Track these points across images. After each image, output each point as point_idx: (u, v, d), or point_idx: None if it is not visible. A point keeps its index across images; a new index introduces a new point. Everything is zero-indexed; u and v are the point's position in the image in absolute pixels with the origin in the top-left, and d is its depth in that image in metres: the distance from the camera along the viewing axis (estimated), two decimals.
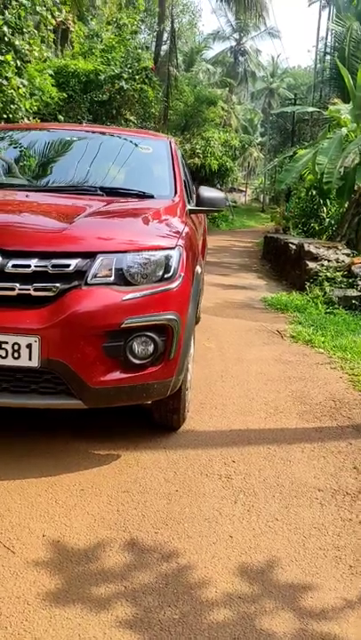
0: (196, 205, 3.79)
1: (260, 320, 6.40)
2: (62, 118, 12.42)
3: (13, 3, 6.16)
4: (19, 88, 6.25)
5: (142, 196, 3.54)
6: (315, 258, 8.45)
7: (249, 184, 55.86)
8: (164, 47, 28.82)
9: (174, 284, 2.75)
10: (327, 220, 13.84)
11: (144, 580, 2.00)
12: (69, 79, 13.47)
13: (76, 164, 3.82)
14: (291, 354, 5.06)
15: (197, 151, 23.36)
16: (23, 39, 6.36)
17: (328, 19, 30.98)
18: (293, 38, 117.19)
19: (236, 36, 50.87)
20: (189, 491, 2.61)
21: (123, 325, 2.58)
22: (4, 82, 6.19)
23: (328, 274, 7.97)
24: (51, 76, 12.76)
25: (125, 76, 13.79)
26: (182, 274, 2.80)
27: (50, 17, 6.75)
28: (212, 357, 4.80)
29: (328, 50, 29.28)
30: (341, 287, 7.71)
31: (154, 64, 25.39)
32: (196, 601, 1.92)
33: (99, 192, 3.44)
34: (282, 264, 10.83)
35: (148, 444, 3.05)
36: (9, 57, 6.26)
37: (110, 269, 2.63)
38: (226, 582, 2.02)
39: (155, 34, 28.46)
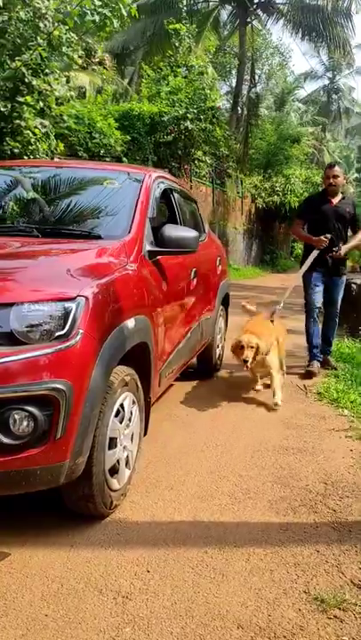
0: (160, 246, 3.26)
1: (292, 371, 5.63)
2: (126, 160, 12.39)
3: (38, 41, 6.03)
4: (36, 128, 6.06)
5: (87, 236, 3.06)
6: None
7: None
8: (257, 88, 28.83)
9: (68, 344, 2.21)
10: None
11: None
12: (134, 122, 13.48)
13: (25, 203, 3.41)
14: (306, 415, 4.30)
15: (277, 189, 22.80)
16: (44, 81, 6.20)
17: None
18: None
19: (329, 74, 50.42)
20: (63, 616, 2.00)
21: None
22: (22, 123, 6.03)
23: None
24: (116, 120, 12.89)
25: (190, 116, 13.62)
26: (82, 331, 2.25)
27: (76, 57, 6.58)
28: (208, 419, 4.15)
29: None
30: None
31: (234, 104, 25.47)
32: None
33: (34, 233, 3.00)
34: (345, 306, 9.90)
35: (57, 538, 2.48)
36: (29, 98, 6.11)
37: None
38: None
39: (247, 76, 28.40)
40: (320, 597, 2.12)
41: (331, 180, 5.40)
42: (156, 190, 3.66)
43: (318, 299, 5.51)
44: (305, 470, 3.28)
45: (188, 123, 13.60)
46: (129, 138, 12.96)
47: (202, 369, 5.25)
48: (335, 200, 5.44)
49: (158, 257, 3.31)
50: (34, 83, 5.94)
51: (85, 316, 2.29)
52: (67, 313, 2.25)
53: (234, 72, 32.02)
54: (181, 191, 4.54)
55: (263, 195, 23.34)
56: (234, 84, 32.06)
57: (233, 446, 3.62)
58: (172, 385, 4.83)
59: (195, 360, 5.13)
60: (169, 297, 3.45)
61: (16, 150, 6.09)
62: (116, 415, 2.62)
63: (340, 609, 2.07)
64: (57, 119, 6.58)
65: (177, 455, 3.43)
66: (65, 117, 6.55)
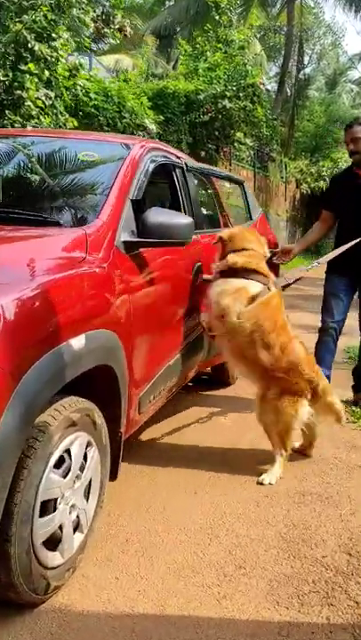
0: (142, 235, 2.53)
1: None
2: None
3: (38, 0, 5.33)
4: (37, 99, 5.38)
5: (40, 222, 2.37)
6: None
7: None
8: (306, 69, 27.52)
9: None
10: None
11: None
12: (168, 101, 12.68)
13: None
14: (333, 443, 3.51)
15: (323, 174, 21.61)
16: (50, 46, 5.50)
17: None
18: None
19: None
20: None
21: None
22: (24, 94, 5.37)
23: None
24: (149, 99, 12.13)
25: (229, 93, 12.73)
26: None
27: (88, 20, 5.87)
28: (212, 446, 3.42)
29: None
30: None
31: (280, 84, 24.29)
32: None
33: None
34: None
35: None
36: (31, 66, 5.44)
37: None
38: None
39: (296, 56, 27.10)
40: None
41: (351, 147, 3.92)
42: (147, 165, 2.90)
43: (336, 312, 4.04)
44: (323, 530, 2.51)
45: (227, 101, 12.71)
46: (162, 118, 12.19)
47: (217, 376, 4.52)
48: None
49: (141, 249, 2.59)
50: (36, 48, 5.24)
51: None
52: None
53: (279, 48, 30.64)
54: (192, 169, 3.74)
55: (309, 180, 22.23)
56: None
57: (236, 488, 2.88)
58: (174, 395, 4.12)
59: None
60: (155, 301, 2.72)
61: (17, 125, 5.44)
62: (58, 467, 1.93)
63: None
64: (69, 91, 5.88)
65: (162, 499, 2.72)
66: (68, 87, 5.82)
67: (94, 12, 6.08)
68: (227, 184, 5.18)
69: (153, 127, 11.53)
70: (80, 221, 2.41)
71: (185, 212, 3.38)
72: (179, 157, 3.59)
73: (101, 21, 6.67)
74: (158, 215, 2.55)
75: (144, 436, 3.45)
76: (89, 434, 2.11)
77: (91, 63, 13.13)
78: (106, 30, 6.83)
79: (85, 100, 9.46)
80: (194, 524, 2.53)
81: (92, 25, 6.11)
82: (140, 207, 2.63)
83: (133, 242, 2.51)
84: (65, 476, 1.96)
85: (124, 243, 2.45)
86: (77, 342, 1.93)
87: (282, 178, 21.05)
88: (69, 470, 1.99)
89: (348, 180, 4.06)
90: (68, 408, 1.95)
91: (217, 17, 14.49)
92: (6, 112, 5.40)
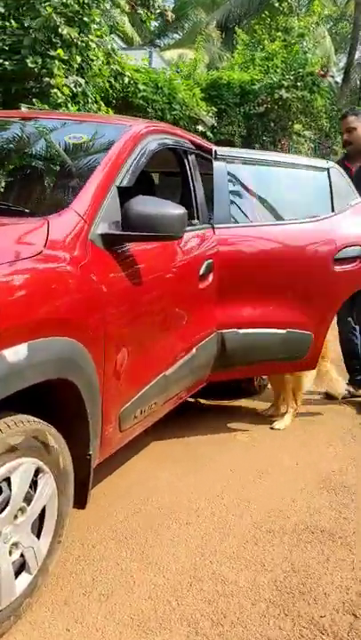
0: (124, 227, 2.20)
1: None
2: (212, 135, 11.21)
3: None
4: (65, 86, 5.13)
5: (4, 210, 2.08)
6: None
7: None
8: None
9: None
10: None
11: None
12: (223, 92, 12.25)
13: None
14: (359, 468, 3.08)
15: None
16: (80, 31, 5.25)
17: None
18: None
19: None
20: None
21: None
22: (52, 81, 5.14)
23: None
24: (203, 90, 11.77)
25: (286, 83, 12.16)
26: None
27: (123, 2, 5.58)
28: (215, 468, 3.05)
29: None
30: None
31: (345, 74, 23.30)
32: None
33: None
34: None
35: None
36: (60, 52, 5.20)
37: None
38: None
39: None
40: None
41: (345, 136, 3.93)
42: (145, 148, 2.56)
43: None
44: (328, 580, 2.11)
45: (283, 91, 12.14)
46: (215, 109, 11.80)
47: (236, 385, 4.10)
48: (355, 166, 3.92)
49: (127, 244, 2.26)
50: (64, 32, 5.00)
51: None
52: None
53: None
54: (224, 158, 3.30)
55: None
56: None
57: (235, 519, 2.51)
58: (185, 401, 3.75)
59: None
60: (143, 304, 2.38)
61: None
62: None
63: None
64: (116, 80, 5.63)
65: (147, 529, 2.39)
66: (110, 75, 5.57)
67: None
68: (299, 172, 4.26)
69: (211, 120, 11.26)
70: (52, 211, 2.10)
71: (196, 204, 3.04)
72: (198, 145, 3.21)
73: (140, 5, 6.38)
74: (143, 204, 2.21)
75: (138, 454, 3.12)
76: (39, 459, 1.80)
77: (151, 57, 12.95)
78: (140, 12, 6.49)
79: (133, 91, 9.22)
80: (176, 562, 2.18)
81: (127, 7, 5.84)
82: (130, 195, 2.31)
83: (114, 235, 2.18)
84: (1, 511, 1.67)
85: (102, 236, 2.13)
86: (14, 353, 1.61)
87: None
88: (7, 502, 1.69)
89: None
90: (5, 430, 1.65)
91: (276, 4, 13.93)
92: (34, 100, 5.19)
